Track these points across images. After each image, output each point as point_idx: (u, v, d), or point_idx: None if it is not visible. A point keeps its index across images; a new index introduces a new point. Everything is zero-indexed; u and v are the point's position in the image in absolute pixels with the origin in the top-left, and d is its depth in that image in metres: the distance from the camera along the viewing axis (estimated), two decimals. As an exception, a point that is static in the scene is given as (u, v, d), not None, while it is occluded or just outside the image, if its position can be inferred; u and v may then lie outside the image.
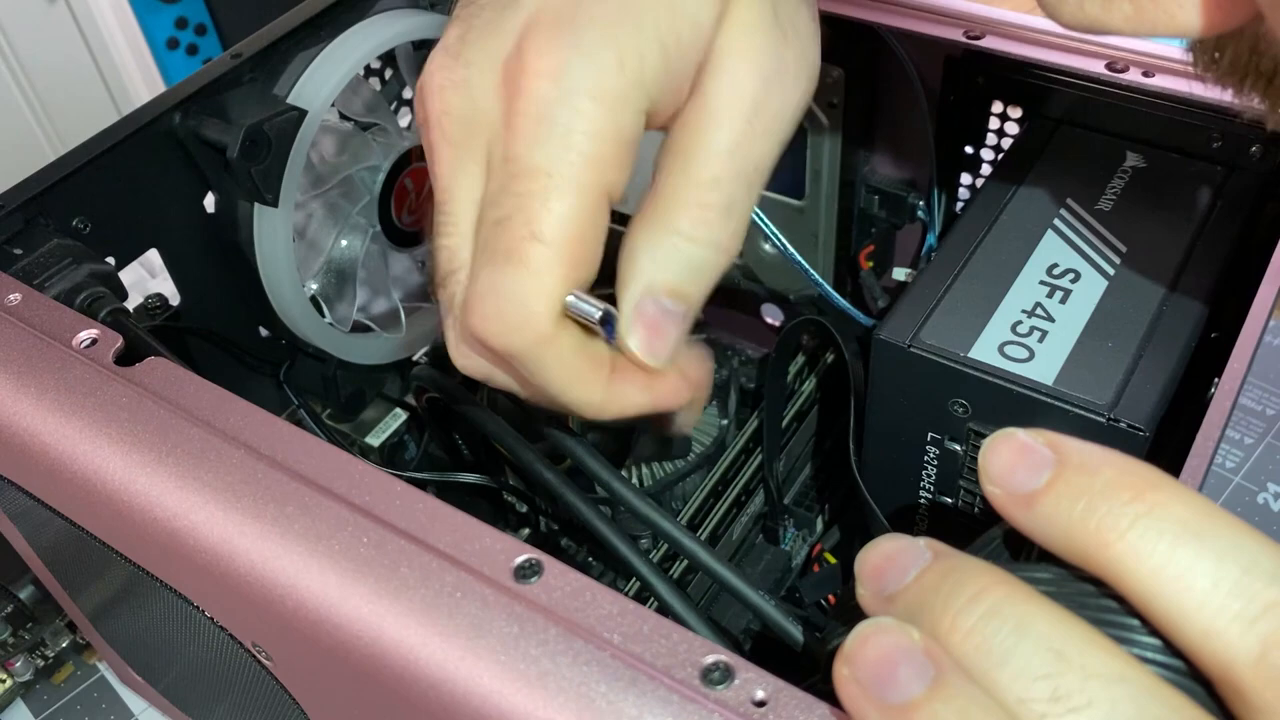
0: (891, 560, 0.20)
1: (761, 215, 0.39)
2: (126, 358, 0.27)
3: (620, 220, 0.24)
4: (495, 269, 0.24)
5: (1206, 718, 0.17)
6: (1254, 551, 0.17)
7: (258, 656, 0.27)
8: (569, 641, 0.20)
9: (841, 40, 0.39)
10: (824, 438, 0.45)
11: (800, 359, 0.45)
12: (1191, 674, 0.18)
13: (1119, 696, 0.17)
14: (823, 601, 0.39)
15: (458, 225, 0.26)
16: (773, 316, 0.51)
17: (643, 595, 0.33)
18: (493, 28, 0.25)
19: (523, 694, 0.20)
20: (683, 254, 0.25)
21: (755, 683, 0.19)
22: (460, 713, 0.20)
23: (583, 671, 0.20)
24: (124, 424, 0.26)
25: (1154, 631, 0.18)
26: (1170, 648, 0.18)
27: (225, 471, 0.24)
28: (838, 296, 0.39)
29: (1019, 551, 0.22)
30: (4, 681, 0.45)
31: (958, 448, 0.31)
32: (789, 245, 0.38)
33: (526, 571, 0.22)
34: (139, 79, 0.92)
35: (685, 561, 0.36)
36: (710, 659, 0.20)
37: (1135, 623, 0.19)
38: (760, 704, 0.19)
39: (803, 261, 0.39)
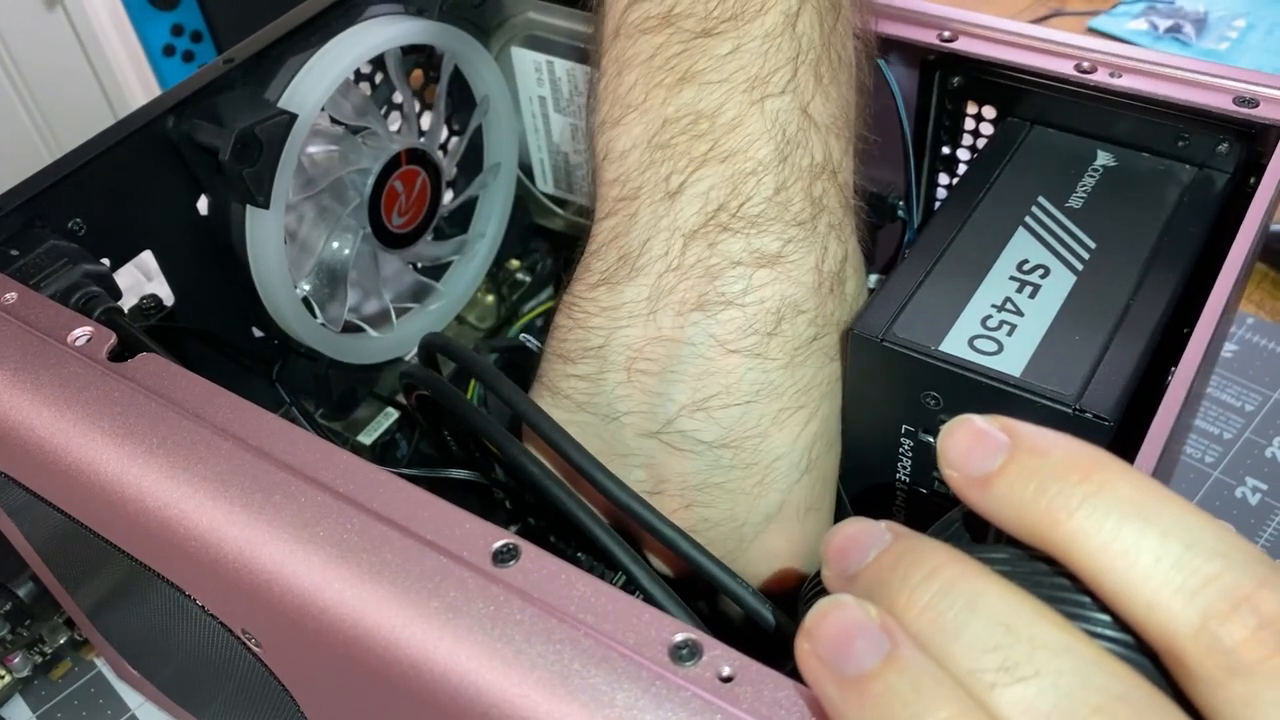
0: (854, 541, 0.21)
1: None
2: (120, 354, 0.28)
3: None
4: None
5: (1147, 685, 0.18)
6: (1196, 528, 0.18)
7: (247, 643, 0.27)
8: (544, 621, 0.21)
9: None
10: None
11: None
12: (1139, 648, 0.19)
13: (1064, 667, 0.17)
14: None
15: None
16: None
17: (629, 588, 0.34)
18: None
19: (499, 671, 0.21)
20: None
21: (722, 659, 0.20)
22: (440, 690, 0.21)
23: (557, 650, 0.21)
24: (117, 417, 0.26)
25: (1104, 608, 0.19)
26: (1119, 623, 0.19)
27: (215, 462, 0.25)
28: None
29: (979, 534, 0.22)
30: (3, 677, 0.46)
31: (931, 440, 0.32)
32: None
33: (504, 556, 0.22)
34: (136, 85, 0.93)
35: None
36: (679, 637, 0.21)
37: (1086, 599, 0.19)
38: (727, 679, 0.20)
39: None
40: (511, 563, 0.22)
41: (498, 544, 0.22)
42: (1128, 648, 0.19)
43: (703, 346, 0.31)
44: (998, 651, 0.18)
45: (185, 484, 0.25)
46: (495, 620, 0.21)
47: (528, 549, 0.22)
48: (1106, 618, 0.19)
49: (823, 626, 0.19)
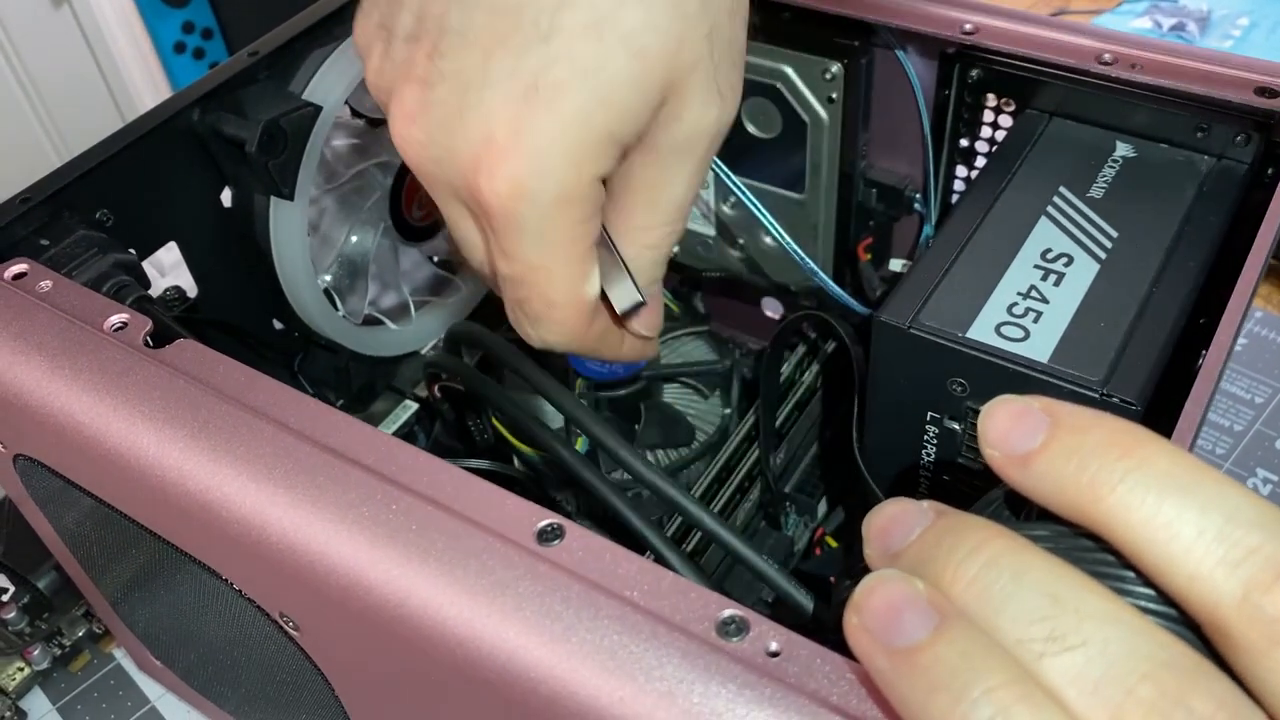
0: (897, 521, 0.21)
1: (763, 209, 0.40)
2: (156, 340, 0.28)
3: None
4: (530, 323, 0.30)
5: (1193, 653, 0.18)
6: (1236, 501, 0.18)
7: (284, 627, 0.28)
8: (590, 598, 0.21)
9: (840, 37, 0.40)
10: (825, 425, 0.46)
11: (800, 349, 0.47)
12: (1182, 620, 0.19)
13: (1111, 636, 0.18)
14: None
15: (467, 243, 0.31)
16: (772, 310, 0.52)
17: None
18: (451, 124, 0.27)
19: (547, 647, 0.21)
20: (663, 259, 0.32)
21: (769, 635, 0.21)
22: (488, 667, 0.21)
23: (604, 626, 0.21)
24: (157, 402, 0.27)
25: (1147, 583, 0.19)
26: (1162, 596, 0.19)
27: (257, 445, 0.25)
28: (836, 287, 0.41)
29: (1018, 513, 0.23)
30: (22, 669, 0.46)
31: (956, 426, 0.32)
32: (789, 238, 0.40)
33: (549, 535, 0.23)
34: (141, 82, 0.93)
35: (696, 538, 0.37)
36: (726, 613, 0.21)
37: (1129, 574, 0.20)
38: (774, 654, 0.20)
39: (802, 254, 0.40)
40: (556, 541, 0.22)
41: (542, 523, 0.23)
42: (1171, 620, 0.19)
43: None
44: (1045, 622, 0.18)
45: (228, 467, 0.25)
46: (542, 597, 0.21)
47: (572, 528, 0.23)
48: (1149, 591, 0.19)
49: (871, 600, 0.19)
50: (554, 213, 0.27)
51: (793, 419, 0.45)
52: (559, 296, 0.29)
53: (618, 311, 0.31)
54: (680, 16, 0.27)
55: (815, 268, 0.40)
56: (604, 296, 0.31)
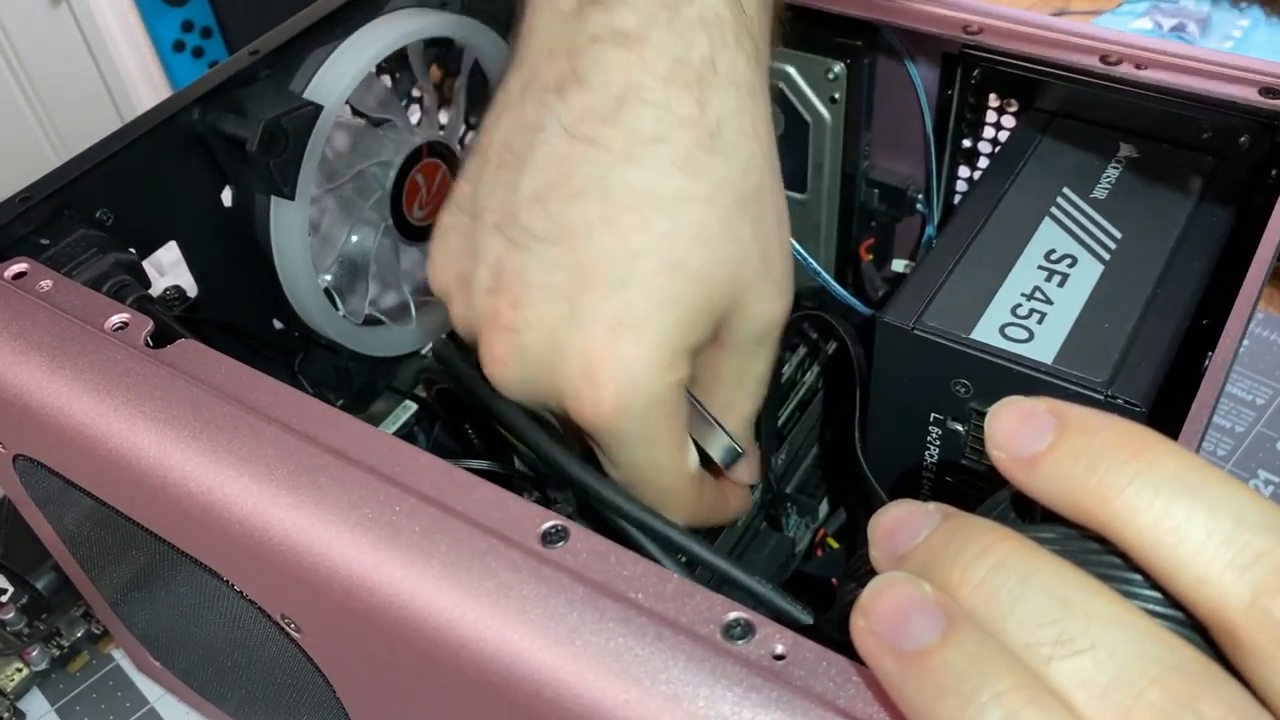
0: (902, 523, 0.21)
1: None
2: (157, 340, 0.28)
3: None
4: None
5: (1202, 657, 0.18)
6: (1244, 504, 0.18)
7: (286, 629, 0.28)
8: (595, 600, 0.21)
9: (842, 36, 0.40)
10: (826, 426, 0.46)
11: (802, 350, 0.46)
12: (1190, 624, 0.19)
13: (1120, 639, 0.18)
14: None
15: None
16: (774, 310, 0.52)
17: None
18: (545, 365, 0.30)
19: (552, 650, 0.21)
20: (753, 417, 0.36)
21: (775, 638, 0.20)
22: (492, 670, 0.21)
23: (609, 628, 0.21)
24: (158, 402, 0.26)
25: (1154, 585, 0.19)
26: (1169, 599, 0.19)
27: (259, 446, 0.25)
28: (838, 287, 0.40)
29: (1024, 515, 0.23)
30: (21, 670, 0.46)
31: (960, 428, 0.32)
32: (792, 238, 0.39)
33: (553, 537, 0.23)
34: (142, 82, 0.93)
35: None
36: (731, 616, 0.21)
37: (1137, 577, 0.20)
38: (780, 657, 0.20)
39: (805, 254, 0.40)
40: (560, 543, 0.22)
41: (546, 525, 0.23)
42: (1178, 624, 0.19)
43: (551, 132, 0.30)
44: (1054, 625, 0.18)
45: (230, 468, 0.25)
46: (547, 599, 0.21)
47: (576, 530, 0.23)
48: (1156, 594, 0.19)
49: (879, 603, 0.19)
50: (650, 417, 0.30)
51: (794, 419, 0.45)
52: (670, 483, 0.32)
53: (721, 466, 0.34)
54: (737, 246, 0.30)
55: (817, 268, 0.40)
56: (705, 460, 0.33)
